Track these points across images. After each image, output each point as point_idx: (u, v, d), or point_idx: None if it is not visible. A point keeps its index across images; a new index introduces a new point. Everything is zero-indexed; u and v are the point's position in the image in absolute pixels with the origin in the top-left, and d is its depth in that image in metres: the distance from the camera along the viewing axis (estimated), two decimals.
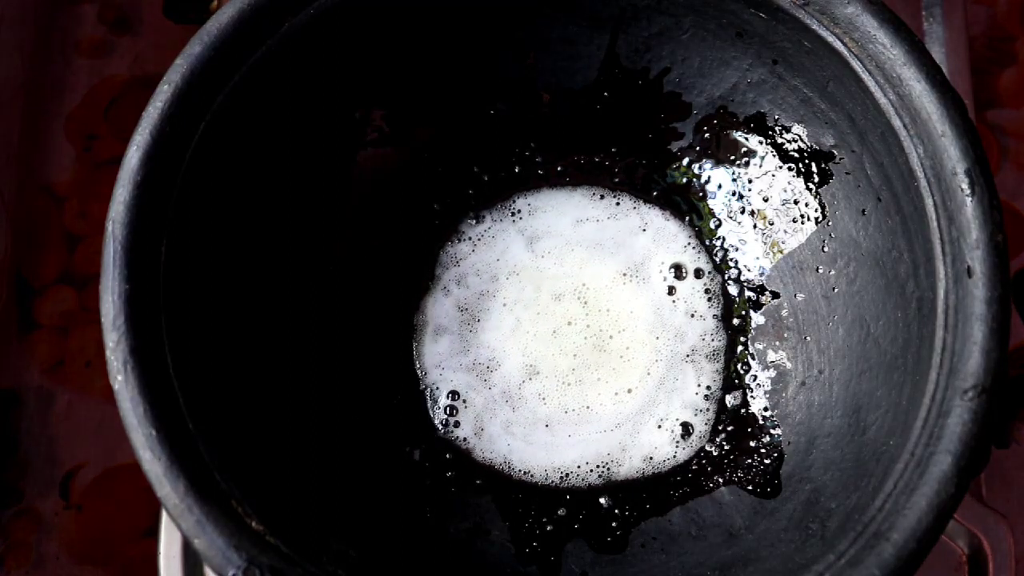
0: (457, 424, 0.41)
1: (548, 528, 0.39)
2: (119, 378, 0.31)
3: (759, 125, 0.40)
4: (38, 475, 0.49)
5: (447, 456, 0.40)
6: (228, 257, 0.36)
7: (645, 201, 0.43)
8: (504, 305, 0.42)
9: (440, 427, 0.41)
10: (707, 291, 0.42)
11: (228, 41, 0.34)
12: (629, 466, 0.40)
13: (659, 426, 0.40)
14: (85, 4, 0.56)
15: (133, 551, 0.48)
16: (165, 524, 0.42)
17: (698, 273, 0.42)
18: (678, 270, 0.42)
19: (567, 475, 0.40)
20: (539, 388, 0.41)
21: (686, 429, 0.40)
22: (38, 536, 0.48)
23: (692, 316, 0.42)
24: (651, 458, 0.40)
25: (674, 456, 0.40)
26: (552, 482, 0.40)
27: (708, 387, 0.41)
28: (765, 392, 0.40)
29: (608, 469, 0.40)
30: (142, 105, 0.34)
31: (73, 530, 0.48)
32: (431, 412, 0.41)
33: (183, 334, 0.33)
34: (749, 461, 0.39)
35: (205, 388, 0.33)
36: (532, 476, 0.40)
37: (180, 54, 0.34)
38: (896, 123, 0.32)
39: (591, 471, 0.40)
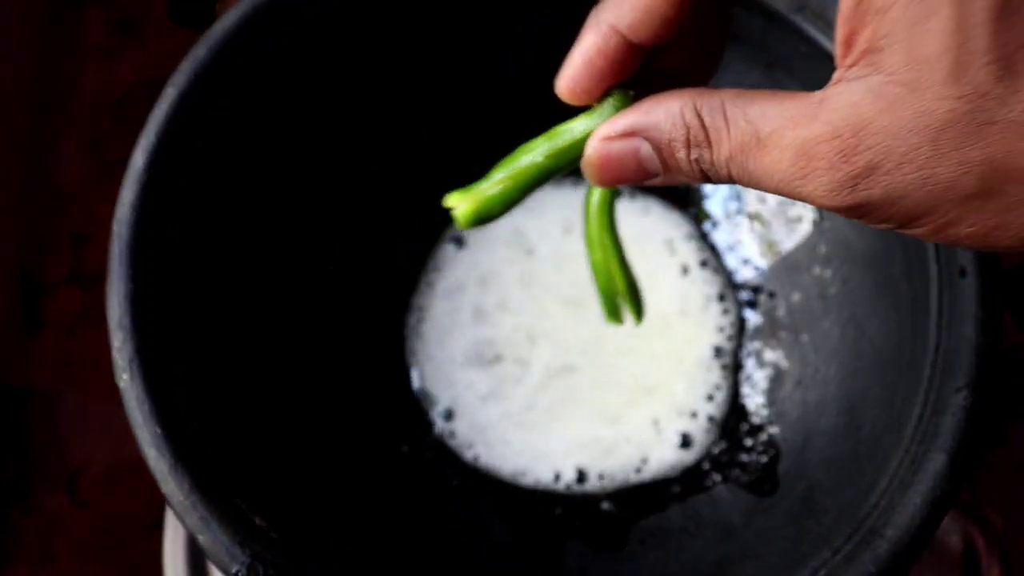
0: (455, 424, 0.41)
1: (547, 526, 0.39)
2: (125, 377, 0.31)
3: None
4: (45, 473, 0.49)
5: (446, 455, 0.41)
6: (232, 257, 0.36)
7: (643, 198, 0.43)
8: (502, 305, 0.42)
9: (438, 427, 0.41)
10: (705, 290, 0.42)
11: (232, 45, 0.35)
12: (629, 467, 0.40)
13: (658, 428, 0.40)
14: (91, 8, 0.57)
15: (139, 547, 0.48)
16: (170, 521, 0.43)
17: (699, 266, 0.42)
18: (680, 270, 0.42)
19: (562, 476, 0.40)
20: (537, 389, 0.41)
21: (685, 436, 0.40)
22: (46, 532, 0.49)
23: (691, 315, 0.42)
24: (649, 460, 0.40)
25: (674, 460, 0.40)
26: (548, 484, 0.40)
27: (706, 387, 0.41)
28: (761, 391, 0.40)
29: (606, 472, 0.40)
30: (148, 107, 0.34)
31: (80, 527, 0.49)
32: (430, 412, 0.41)
33: (188, 334, 0.33)
34: (746, 459, 0.39)
35: (209, 387, 0.33)
36: (529, 477, 0.40)
37: (185, 58, 0.35)
38: None
39: (589, 473, 0.40)
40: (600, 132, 0.23)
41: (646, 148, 0.22)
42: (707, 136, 0.22)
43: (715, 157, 0.22)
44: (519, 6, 0.40)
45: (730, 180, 0.22)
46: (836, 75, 0.21)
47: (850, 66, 0.20)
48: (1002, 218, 0.20)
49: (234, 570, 0.29)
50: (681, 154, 0.22)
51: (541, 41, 0.41)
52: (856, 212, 0.21)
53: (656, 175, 0.23)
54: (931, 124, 0.19)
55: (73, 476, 0.49)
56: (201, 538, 0.30)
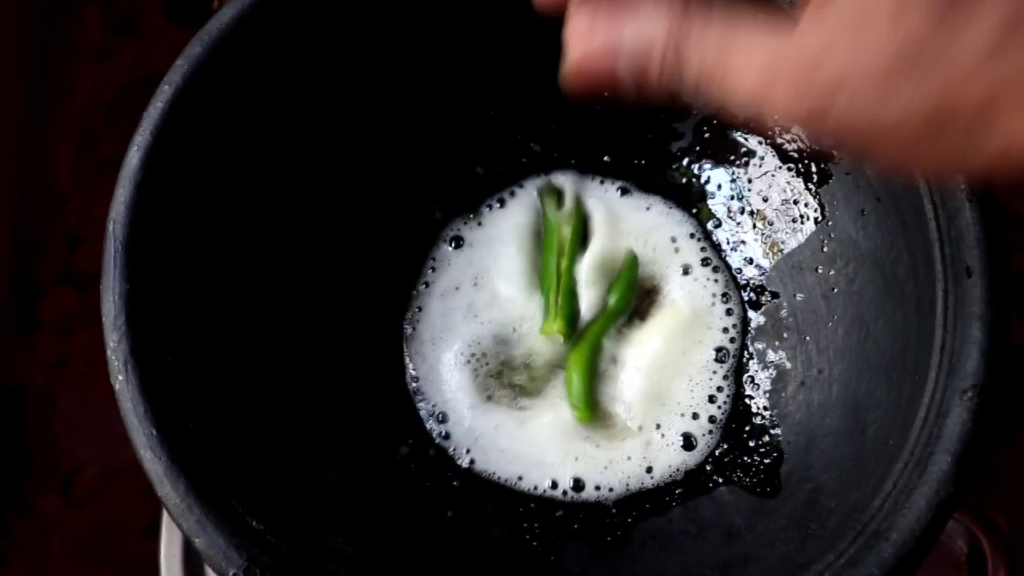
0: (450, 427, 0.41)
1: (547, 528, 0.39)
2: (120, 378, 0.31)
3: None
4: (40, 474, 0.49)
5: (444, 457, 0.40)
6: (228, 256, 0.36)
7: (645, 197, 0.43)
8: (497, 304, 0.42)
9: (434, 430, 0.41)
10: (708, 289, 0.42)
11: (228, 41, 0.35)
12: (630, 470, 0.40)
13: (660, 430, 0.40)
14: (87, 7, 0.56)
15: (134, 550, 0.48)
16: (166, 523, 0.42)
17: (701, 266, 0.42)
18: (683, 269, 0.42)
19: (561, 480, 0.40)
20: (536, 390, 0.41)
21: (687, 438, 0.40)
22: (40, 535, 0.48)
23: (693, 315, 0.42)
24: (651, 463, 0.40)
25: (677, 462, 0.40)
26: (547, 488, 0.40)
27: (709, 388, 0.41)
28: (764, 392, 0.40)
29: (607, 475, 0.40)
30: (143, 106, 0.34)
31: (75, 529, 0.48)
32: (425, 415, 0.41)
33: (184, 334, 0.33)
34: (748, 461, 0.39)
35: (205, 388, 0.33)
36: (526, 481, 0.40)
37: (181, 55, 0.34)
38: None
39: (589, 477, 0.40)
40: (580, 48, 0.25)
41: (623, 64, 0.24)
42: (679, 56, 0.23)
43: (686, 76, 0.23)
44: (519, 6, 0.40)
45: (698, 95, 0.24)
46: (802, 9, 0.22)
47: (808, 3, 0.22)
48: (951, 154, 0.21)
49: (231, 573, 0.29)
50: (655, 72, 0.23)
51: (541, 41, 0.41)
52: (815, 128, 0.22)
53: (627, 88, 0.24)
54: (878, 63, 0.20)
55: (68, 478, 0.49)
56: (197, 541, 0.30)
